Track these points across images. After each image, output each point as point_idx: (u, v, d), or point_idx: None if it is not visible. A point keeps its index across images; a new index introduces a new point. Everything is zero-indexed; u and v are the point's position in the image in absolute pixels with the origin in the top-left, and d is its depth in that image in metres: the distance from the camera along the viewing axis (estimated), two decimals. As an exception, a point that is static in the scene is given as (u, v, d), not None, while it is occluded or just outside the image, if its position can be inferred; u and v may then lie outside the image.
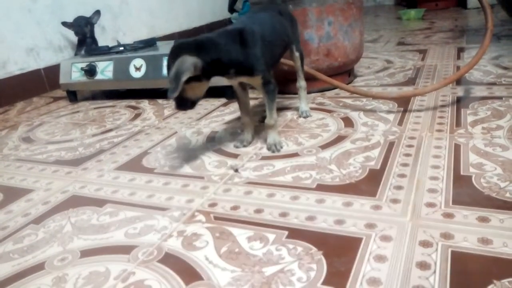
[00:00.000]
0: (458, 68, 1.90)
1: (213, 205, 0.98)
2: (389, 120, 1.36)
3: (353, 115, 1.45)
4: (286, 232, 0.83)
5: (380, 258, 0.72)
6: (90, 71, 2.15)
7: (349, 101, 1.60)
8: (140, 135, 1.58)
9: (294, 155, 1.19)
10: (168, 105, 1.94)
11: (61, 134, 1.72)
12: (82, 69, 2.17)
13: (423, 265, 0.69)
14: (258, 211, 0.93)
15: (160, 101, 2.05)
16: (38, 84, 2.61)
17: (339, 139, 1.26)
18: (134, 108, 1.99)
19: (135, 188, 1.13)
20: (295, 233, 0.83)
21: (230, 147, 1.32)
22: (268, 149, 1.25)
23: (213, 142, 1.38)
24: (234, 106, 1.78)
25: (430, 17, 3.79)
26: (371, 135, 1.25)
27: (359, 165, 1.08)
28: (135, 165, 1.30)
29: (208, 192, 1.05)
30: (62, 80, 2.26)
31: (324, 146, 1.22)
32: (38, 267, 0.83)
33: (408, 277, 0.67)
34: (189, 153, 1.32)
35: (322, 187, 0.99)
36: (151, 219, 0.95)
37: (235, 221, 0.90)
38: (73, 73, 2.22)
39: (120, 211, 1.02)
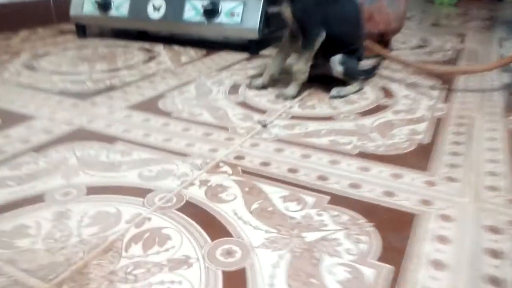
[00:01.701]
0: (501, 56, 1.77)
1: (239, 157, 0.86)
2: (433, 96, 1.24)
3: (393, 86, 1.33)
4: (328, 197, 0.72)
5: (443, 239, 0.61)
6: (104, 5, 1.98)
7: (386, 72, 1.47)
8: (155, 77, 1.44)
9: (328, 118, 1.07)
10: (185, 53, 1.79)
11: (68, 66, 1.58)
12: (96, 1, 2.00)
13: (494, 253, 0.58)
14: (292, 170, 0.81)
15: (176, 47, 1.90)
16: (45, 13, 2.43)
17: (379, 108, 1.14)
18: (148, 50, 1.84)
19: (150, 129, 1.01)
20: (338, 200, 0.72)
21: (256, 102, 1.20)
22: (278, 96, 1.23)
23: (236, 95, 1.26)
24: (258, 61, 1.64)
25: (463, 5, 3.61)
26: (415, 109, 1.13)
27: (405, 137, 0.96)
28: (150, 106, 1.17)
29: (234, 144, 0.93)
30: (73, 11, 2.09)
31: (363, 114, 1.10)
32: (37, 199, 0.71)
33: (478, 264, 0.56)
34: (210, 102, 1.19)
35: (365, 155, 0.87)
36: (169, 163, 0.84)
37: (266, 177, 0.79)
38: (85, 5, 2.05)
39: (134, 151, 0.90)
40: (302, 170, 0.81)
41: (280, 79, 1.33)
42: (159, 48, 1.89)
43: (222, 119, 1.07)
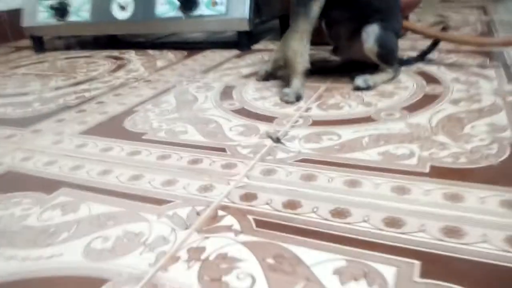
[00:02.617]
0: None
1: (249, 197, 0.55)
2: (490, 76, 0.93)
3: (431, 69, 1.02)
4: (417, 263, 0.41)
5: None
6: (61, 10, 1.65)
7: (414, 53, 1.16)
8: (122, 89, 1.12)
9: (366, 120, 0.76)
10: (161, 57, 1.47)
11: (15, 87, 1.25)
12: (51, 7, 1.67)
13: None
14: (341, 213, 0.50)
15: (151, 52, 1.57)
16: (-3, 30, 2.10)
17: (428, 99, 0.83)
18: (117, 58, 1.52)
19: (111, 164, 0.68)
20: (435, 265, 0.40)
21: (259, 107, 0.88)
22: (280, 98, 0.91)
23: (230, 100, 0.94)
24: (252, 58, 1.32)
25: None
26: (477, 95, 0.82)
27: (486, 136, 0.65)
28: (113, 128, 0.85)
29: (237, 173, 0.61)
30: (26, 22, 1.76)
31: (411, 108, 0.79)
32: None
33: None
34: (196, 114, 0.87)
35: (443, 173, 0.56)
36: (136, 221, 0.52)
37: (300, 232, 0.47)
38: (40, 13, 1.72)
39: (82, 203, 0.57)
40: (356, 211, 0.49)
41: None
42: (130, 54, 1.57)
43: (216, 136, 0.75)
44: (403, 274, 0.40)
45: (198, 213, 0.52)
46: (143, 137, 0.78)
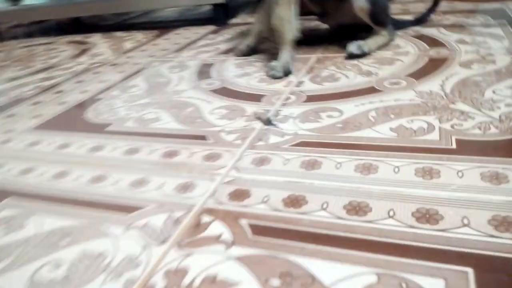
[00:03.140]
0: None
1: (240, 195, 0.44)
2: (498, 35, 0.83)
3: (430, 32, 0.91)
4: (469, 271, 0.31)
5: None
6: (12, -7, 1.49)
7: (407, 17, 1.05)
8: (85, 75, 0.98)
9: (369, 90, 0.65)
10: (130, 38, 1.33)
11: (-38, 81, 1.10)
12: (0, -10, 1.50)
13: None
14: (356, 208, 0.39)
15: (119, 33, 1.43)
16: None
17: (435, 63, 0.73)
18: (80, 43, 1.37)
19: (68, 164, 0.56)
20: (494, 272, 0.30)
21: (243, 85, 0.76)
22: (267, 73, 0.79)
23: (209, 79, 0.82)
24: (230, 33, 1.19)
25: None
26: (489, 55, 0.72)
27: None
28: (72, 120, 0.72)
29: (223, 166, 0.50)
30: (-25, 9, 1.58)
31: (418, 75, 0.68)
32: None
33: None
34: (170, 97, 0.75)
35: (471, 146, 0.46)
36: (96, 238, 0.40)
37: (311, 238, 0.36)
38: (-11, -2, 1.54)
39: (32, 216, 0.46)
40: (376, 205, 0.39)
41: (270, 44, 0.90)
42: (95, 38, 1.42)
43: (194, 121, 0.63)
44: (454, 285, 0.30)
45: (177, 221, 0.41)
46: (107, 128, 0.66)
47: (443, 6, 1.07)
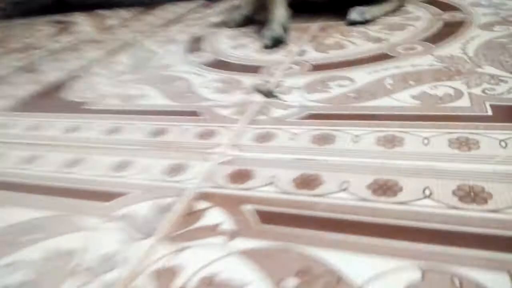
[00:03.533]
0: None
1: (241, 176, 0.36)
2: (515, -4, 0.76)
3: (441, -4, 0.84)
4: (542, 265, 0.24)
5: None
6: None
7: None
8: (63, 53, 0.89)
9: (381, 57, 0.58)
10: (113, 16, 1.23)
11: None
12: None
13: None
14: (383, 187, 0.32)
15: (101, 11, 1.33)
16: None
17: (451, 27, 0.65)
18: (60, 22, 1.27)
19: (40, 147, 0.49)
20: None
21: (239, 56, 0.68)
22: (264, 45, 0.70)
23: (200, 52, 0.73)
24: (221, 6, 1.10)
25: None
26: (510, 17, 0.65)
27: (550, 62, 0.48)
28: (47, 100, 0.64)
29: (219, 143, 0.42)
30: None
31: (434, 40, 0.61)
32: None
33: None
34: (156, 72, 0.67)
35: (509, 112, 0.39)
36: (69, 231, 0.33)
37: (331, 225, 0.29)
38: (-41, -25, 1.43)
39: (2, 206, 0.38)
40: (408, 183, 0.32)
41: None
42: (77, 16, 1.32)
43: (183, 96, 0.56)
44: (526, 286, 0.23)
45: (165, 209, 0.34)
46: (85, 106, 0.58)
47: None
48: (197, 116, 0.49)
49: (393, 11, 0.77)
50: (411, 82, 0.48)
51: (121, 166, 0.41)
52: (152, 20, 1.07)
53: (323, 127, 0.42)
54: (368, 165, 0.35)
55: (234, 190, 0.35)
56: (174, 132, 0.46)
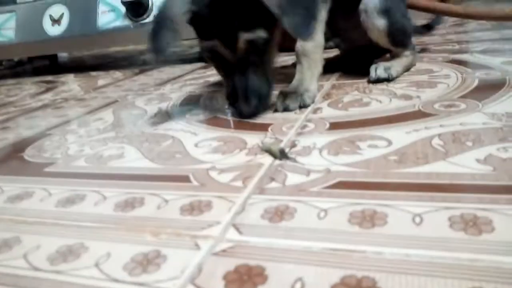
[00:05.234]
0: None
1: (244, 278, 0.23)
2: (552, 57, 0.68)
3: (464, 57, 0.76)
4: None
5: None
6: (-22, 30, 1.33)
7: (419, 47, 0.91)
8: (42, 111, 0.79)
9: (416, 115, 0.47)
10: (106, 76, 1.16)
11: None
12: (-36, 28, 1.35)
13: None
14: (495, 308, 0.19)
15: (95, 73, 1.26)
16: None
17: (490, 85, 0.56)
18: (49, 82, 1.19)
19: (-35, 221, 0.35)
20: None
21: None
22: (278, 107, 0.55)
23: (196, 110, 0.63)
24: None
25: None
26: (558, 74, 0.56)
27: None
28: (3, 160, 0.52)
29: (214, 223, 0.30)
30: None
31: (476, 97, 0.51)
32: None
33: None
34: (142, 130, 0.56)
35: None
36: None
37: None
38: (-47, 36, 1.39)
39: None
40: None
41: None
42: (68, 77, 1.25)
43: (171, 157, 0.44)
44: None
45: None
46: (47, 169, 0.46)
47: (468, 35, 0.94)
48: (186, 182, 0.37)
49: (410, 67, 0.69)
50: (469, 143, 0.37)
51: (66, 255, 0.28)
52: (146, 80, 0.99)
53: (365, 201, 0.29)
54: (451, 263, 0.22)
55: (236, 303, 0.21)
56: (152, 205, 0.34)
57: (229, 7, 0.50)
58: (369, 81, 0.64)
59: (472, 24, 1.15)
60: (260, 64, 0.53)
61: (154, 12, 1.13)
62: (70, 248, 0.29)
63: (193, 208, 0.32)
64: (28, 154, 0.52)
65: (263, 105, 0.55)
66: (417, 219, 0.26)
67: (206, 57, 0.61)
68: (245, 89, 0.52)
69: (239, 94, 0.52)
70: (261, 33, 0.51)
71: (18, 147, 0.56)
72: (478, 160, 0.33)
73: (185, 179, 0.37)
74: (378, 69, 0.64)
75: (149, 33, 0.51)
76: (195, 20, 0.52)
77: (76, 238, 0.30)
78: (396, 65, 0.66)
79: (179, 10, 0.50)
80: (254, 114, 0.53)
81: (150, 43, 0.51)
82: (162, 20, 0.52)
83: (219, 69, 0.58)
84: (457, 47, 0.86)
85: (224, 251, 0.26)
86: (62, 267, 0.27)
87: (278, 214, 0.29)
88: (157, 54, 0.51)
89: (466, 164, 0.33)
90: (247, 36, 0.50)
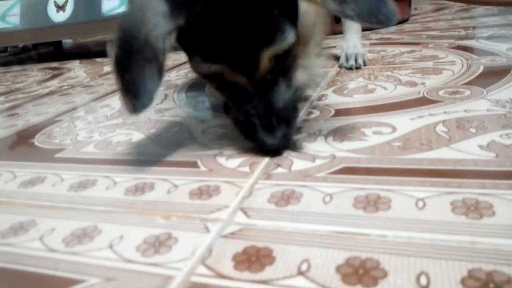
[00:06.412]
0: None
1: (253, 259, 0.24)
2: (558, 43, 0.68)
3: (470, 43, 0.76)
4: None
5: None
6: (-17, 16, 1.34)
7: (425, 33, 0.91)
8: (50, 97, 0.80)
9: (421, 101, 0.47)
10: (110, 62, 1.16)
11: None
12: (-30, 14, 1.35)
13: None
14: (482, 280, 0.20)
15: (99, 59, 1.27)
16: None
17: (495, 71, 0.56)
18: (55, 69, 1.20)
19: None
20: None
21: (244, 100, 0.58)
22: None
23: (203, 97, 0.64)
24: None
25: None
26: None
27: None
28: (14, 146, 0.53)
29: (223, 206, 0.31)
30: None
31: (481, 84, 0.51)
32: None
33: None
34: (149, 116, 0.57)
35: None
36: None
37: None
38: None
39: None
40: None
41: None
42: (74, 64, 1.26)
43: (179, 143, 0.44)
44: None
45: (134, 315, 0.21)
46: (58, 155, 0.47)
47: (474, 21, 0.93)
48: (195, 168, 0.38)
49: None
50: (472, 130, 0.38)
51: (81, 237, 0.29)
52: (151, 66, 0.99)
53: (369, 186, 0.30)
54: (452, 246, 0.23)
55: (244, 283, 0.22)
56: (161, 189, 0.35)
57: (237, 10, 0.32)
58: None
59: (479, 9, 1.13)
60: (286, 73, 0.37)
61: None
62: (85, 230, 0.30)
63: (202, 193, 0.33)
64: (38, 140, 0.53)
65: (292, 131, 0.38)
66: (420, 204, 0.27)
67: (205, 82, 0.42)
68: (269, 117, 0.36)
69: (260, 124, 0.36)
70: (290, 36, 0.34)
71: (28, 134, 0.57)
72: (481, 147, 0.34)
73: (193, 164, 0.38)
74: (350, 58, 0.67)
75: (120, 79, 0.34)
76: (184, 38, 0.35)
77: (90, 221, 0.31)
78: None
79: (161, 29, 0.32)
80: (284, 147, 0.38)
81: (126, 97, 0.34)
82: (136, 50, 0.33)
83: (223, 91, 0.40)
84: (463, 33, 0.86)
85: (232, 233, 0.27)
86: (77, 249, 0.28)
87: (285, 199, 0.30)
88: (139, 110, 0.33)
89: (469, 150, 0.34)
90: (273, 50, 0.33)
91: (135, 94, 0.33)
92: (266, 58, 0.33)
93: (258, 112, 0.35)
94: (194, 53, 0.35)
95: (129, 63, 0.33)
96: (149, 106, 0.33)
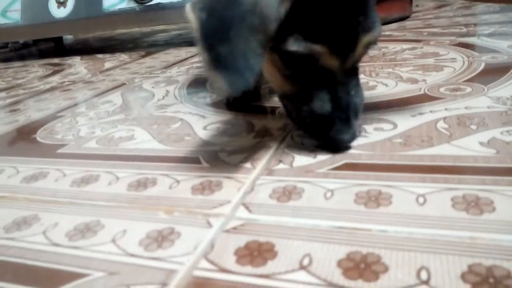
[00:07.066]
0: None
1: (255, 254, 0.24)
2: (560, 41, 0.68)
3: (471, 40, 0.76)
4: None
5: None
6: (-17, 12, 1.33)
7: (426, 30, 0.91)
8: (51, 93, 0.80)
9: (422, 98, 0.47)
10: (112, 59, 1.17)
11: None
12: (-30, 9, 1.35)
13: None
14: (482, 275, 0.20)
15: (101, 55, 1.27)
16: None
17: (496, 68, 0.56)
18: (56, 65, 1.20)
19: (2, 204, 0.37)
20: None
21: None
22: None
23: (204, 93, 0.64)
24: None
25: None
26: None
27: None
28: (16, 142, 0.53)
29: (224, 202, 0.31)
30: None
31: (482, 81, 0.51)
32: None
33: None
34: (151, 112, 0.57)
35: None
36: None
37: None
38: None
39: None
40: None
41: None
42: (75, 60, 1.26)
43: (181, 139, 0.45)
44: None
45: (138, 307, 0.22)
46: (60, 150, 0.47)
47: (475, 18, 0.93)
48: (196, 163, 0.38)
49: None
50: (473, 127, 0.38)
51: (84, 232, 0.29)
52: (153, 63, 1.00)
53: (370, 182, 0.30)
54: (452, 241, 0.23)
55: (247, 277, 0.23)
56: (164, 184, 0.35)
57: None
58: None
59: (480, 6, 1.13)
60: (357, 68, 0.37)
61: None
62: (87, 225, 0.30)
63: (204, 188, 0.33)
64: (40, 136, 0.54)
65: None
66: (421, 199, 0.27)
67: (284, 68, 0.36)
68: (348, 110, 0.35)
69: (339, 118, 0.34)
70: (380, 28, 0.34)
71: (30, 129, 0.58)
72: (481, 143, 0.34)
73: (195, 160, 0.39)
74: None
75: (209, 51, 0.28)
76: (295, 11, 0.31)
77: (92, 216, 0.31)
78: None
79: None
80: (354, 139, 0.36)
81: (220, 73, 0.28)
82: (237, 17, 0.29)
83: (296, 80, 0.36)
84: (464, 30, 0.86)
85: (235, 228, 0.27)
86: (80, 243, 0.28)
87: (286, 194, 0.30)
88: (238, 87, 0.28)
89: (470, 147, 0.34)
90: (369, 37, 0.34)
91: (233, 69, 0.28)
92: (363, 44, 0.33)
93: (341, 103, 0.34)
94: (295, 30, 0.32)
95: (226, 32, 0.28)
96: (249, 85, 0.28)
